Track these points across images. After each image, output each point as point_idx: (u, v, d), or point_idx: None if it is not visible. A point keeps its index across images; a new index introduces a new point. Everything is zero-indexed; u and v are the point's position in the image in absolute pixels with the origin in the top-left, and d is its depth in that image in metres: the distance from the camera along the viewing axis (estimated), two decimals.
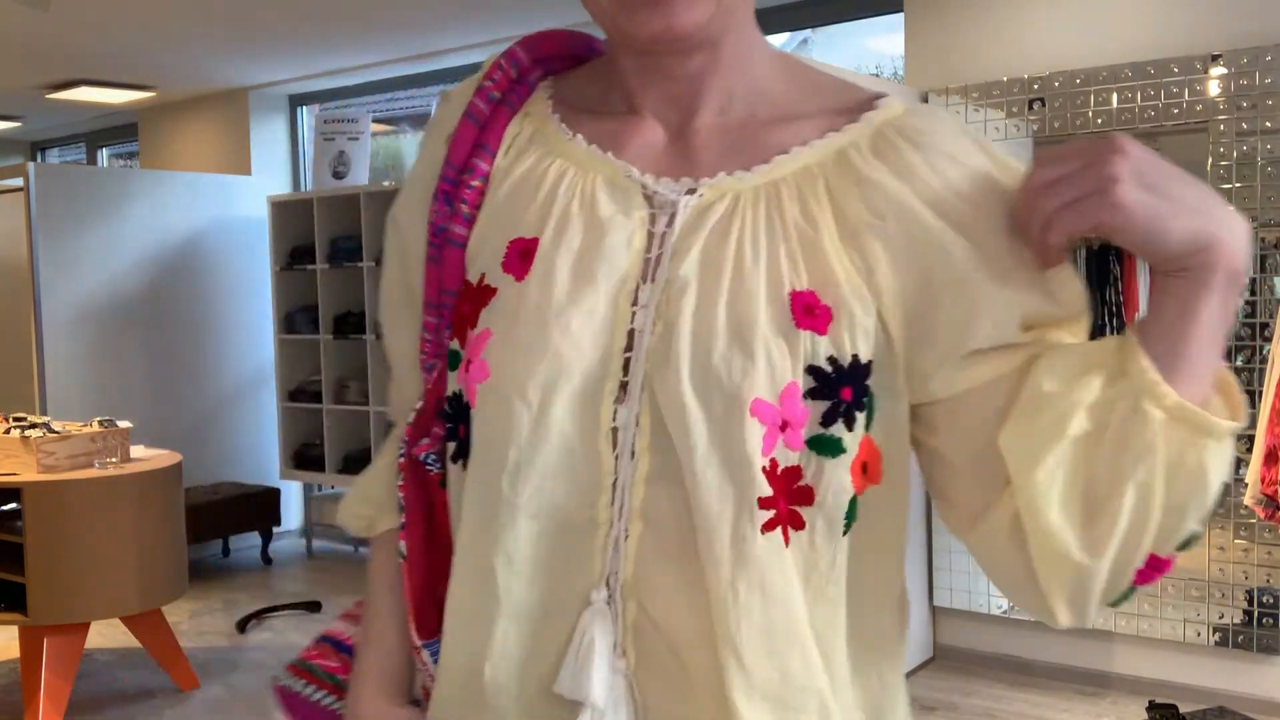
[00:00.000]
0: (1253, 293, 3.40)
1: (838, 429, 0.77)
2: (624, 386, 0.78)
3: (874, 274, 0.78)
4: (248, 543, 6.08)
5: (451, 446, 0.85)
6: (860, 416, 0.78)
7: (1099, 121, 3.61)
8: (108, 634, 4.58)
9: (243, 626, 4.73)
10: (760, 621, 0.76)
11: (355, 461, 5.56)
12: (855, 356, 0.77)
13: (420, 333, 0.88)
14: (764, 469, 0.75)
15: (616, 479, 0.78)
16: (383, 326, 0.97)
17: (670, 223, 0.81)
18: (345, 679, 0.96)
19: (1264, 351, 3.38)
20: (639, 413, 0.78)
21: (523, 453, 0.78)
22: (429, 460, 0.88)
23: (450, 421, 0.85)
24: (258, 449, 6.16)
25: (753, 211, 0.80)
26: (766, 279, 0.77)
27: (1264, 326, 3.38)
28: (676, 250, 0.80)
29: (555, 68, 0.94)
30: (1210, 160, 3.44)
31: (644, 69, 0.85)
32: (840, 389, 0.77)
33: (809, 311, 0.77)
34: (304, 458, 5.77)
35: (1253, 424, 3.35)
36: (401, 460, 0.88)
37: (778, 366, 0.76)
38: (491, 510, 0.80)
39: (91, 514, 3.58)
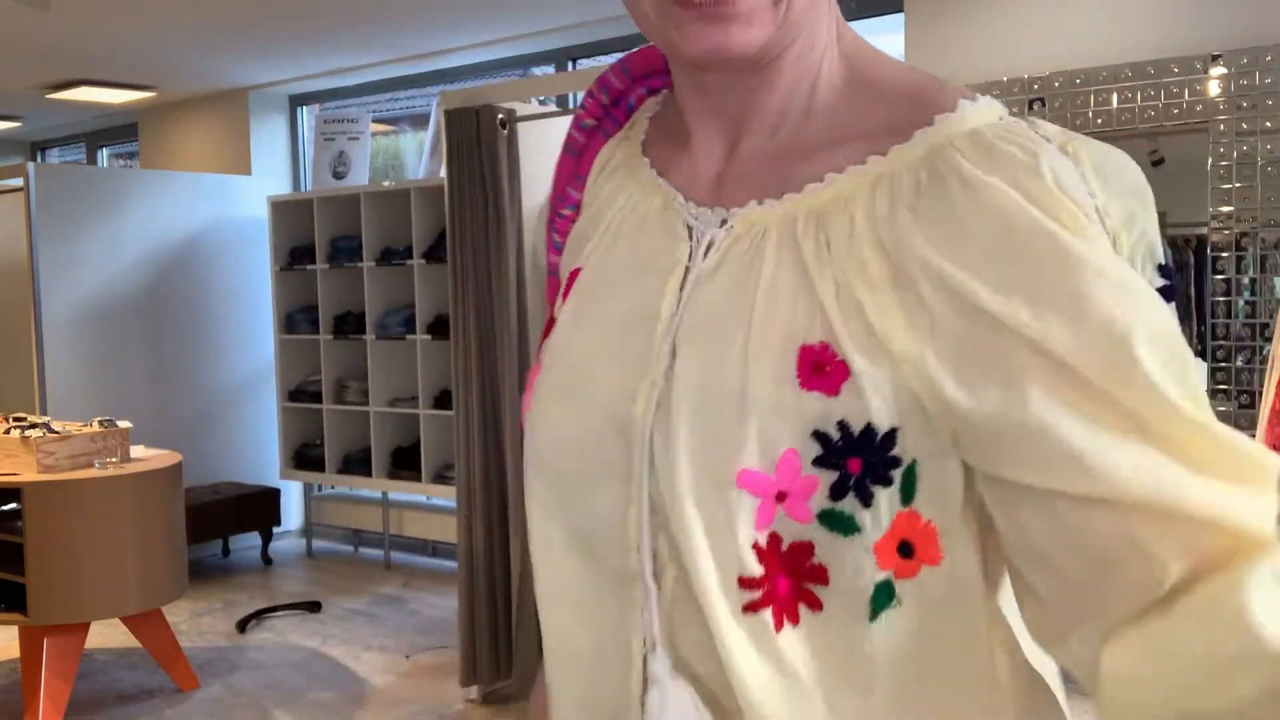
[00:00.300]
0: (1253, 293, 3.40)
1: (848, 504, 0.67)
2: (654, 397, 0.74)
3: (898, 334, 0.67)
4: (248, 543, 6.08)
5: None
6: (883, 491, 0.67)
7: (1099, 121, 3.61)
8: (108, 634, 4.58)
9: (243, 626, 4.73)
10: (763, 703, 0.69)
11: (355, 462, 5.56)
12: (869, 425, 0.67)
13: None
14: (755, 544, 0.68)
15: (642, 524, 0.73)
16: None
17: (706, 257, 0.75)
18: None
19: (1264, 351, 3.38)
20: (670, 413, 0.73)
21: (550, 496, 0.78)
22: None
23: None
24: (258, 449, 6.16)
25: (775, 249, 0.72)
26: (779, 330, 0.69)
27: (1264, 327, 3.38)
28: (692, 292, 0.74)
29: (664, 83, 0.86)
30: (1210, 160, 3.44)
31: (696, 87, 0.79)
32: (847, 459, 0.67)
33: (818, 369, 0.68)
34: (304, 458, 5.77)
35: (1253, 424, 3.35)
36: None
37: (771, 431, 0.67)
38: (534, 552, 0.80)
39: (91, 514, 3.58)
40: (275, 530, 5.94)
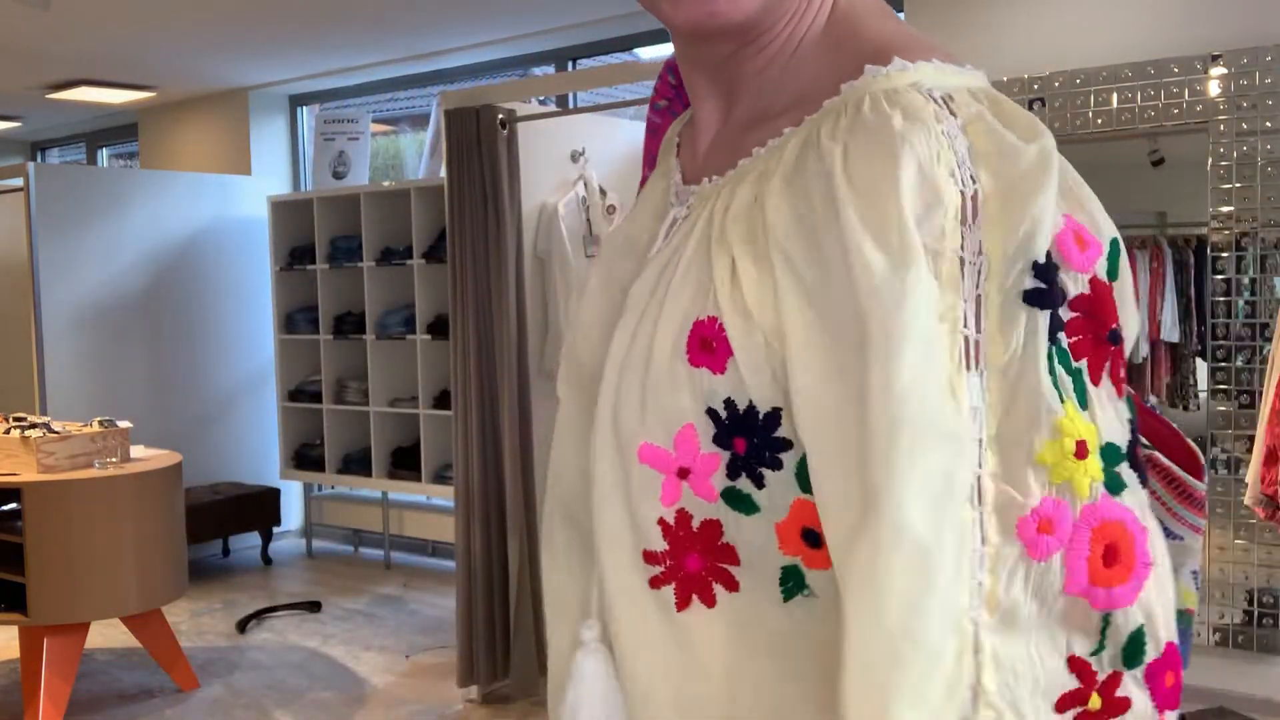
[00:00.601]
0: (1253, 293, 3.40)
1: (743, 484, 0.66)
2: None
3: (765, 311, 0.65)
4: (248, 543, 6.08)
5: None
6: (774, 474, 0.65)
7: (1099, 121, 3.61)
8: (108, 634, 4.58)
9: (243, 626, 4.73)
10: (649, 677, 0.70)
11: (355, 462, 5.56)
12: (750, 404, 0.65)
13: None
14: (661, 520, 0.68)
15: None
16: None
17: (668, 236, 0.75)
18: None
19: (1264, 351, 3.38)
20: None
21: (553, 465, 0.82)
22: None
23: None
24: (258, 449, 6.15)
25: (697, 225, 0.70)
26: (681, 306, 0.68)
27: (1264, 326, 3.38)
28: (643, 271, 0.73)
29: None
30: (1210, 160, 3.44)
31: (694, 61, 0.76)
32: (733, 438, 0.66)
33: (705, 346, 0.66)
34: (304, 458, 5.77)
35: (1253, 424, 3.35)
36: None
37: (669, 407, 0.67)
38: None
39: (91, 514, 3.58)
40: (275, 530, 5.94)
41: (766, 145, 0.69)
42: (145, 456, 3.95)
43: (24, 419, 3.97)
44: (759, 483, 0.66)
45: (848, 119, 0.64)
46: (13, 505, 3.79)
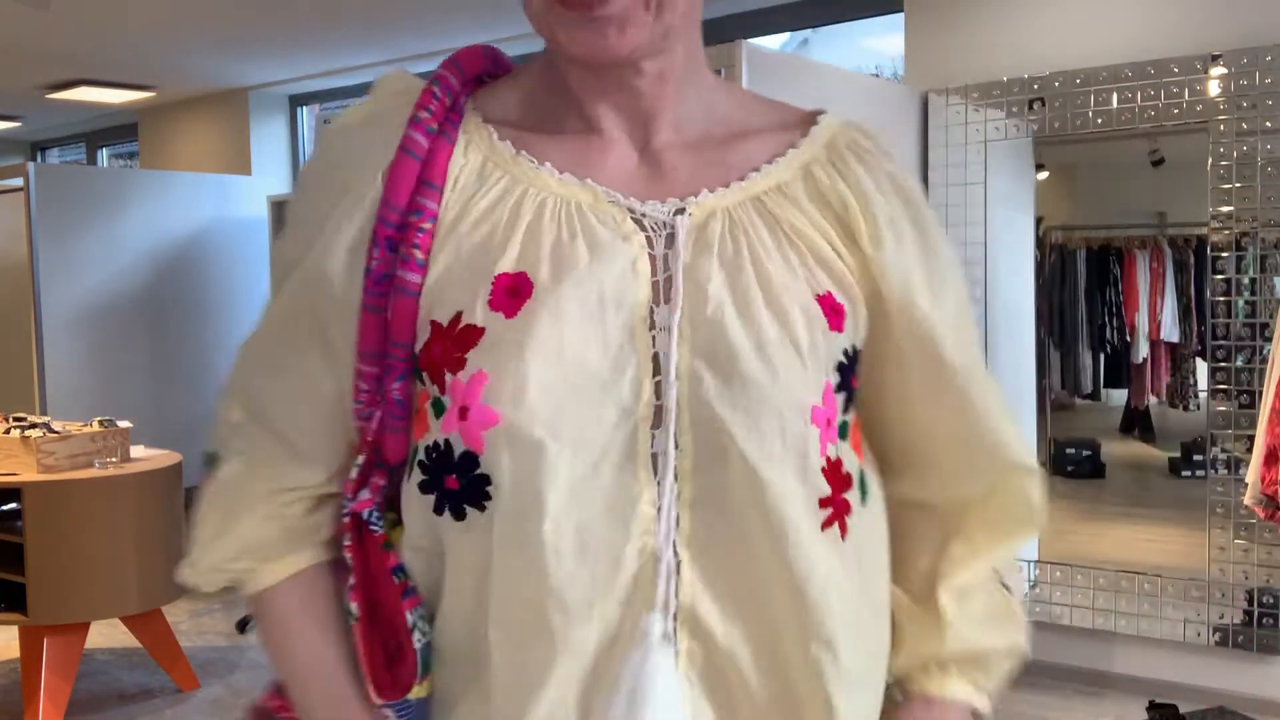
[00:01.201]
0: (1253, 293, 3.40)
1: (849, 414, 0.85)
2: (658, 412, 0.77)
3: (861, 274, 0.85)
4: None
5: (432, 499, 0.79)
6: (854, 397, 0.86)
7: (1099, 121, 3.61)
8: (108, 634, 4.58)
9: (243, 626, 4.72)
10: (843, 614, 0.79)
11: None
12: (855, 347, 0.84)
13: (345, 381, 0.82)
14: (823, 469, 0.80)
15: (660, 507, 0.77)
16: (253, 375, 0.87)
17: (670, 244, 0.80)
18: None
19: (1264, 351, 3.38)
20: (678, 435, 0.77)
21: (561, 494, 0.75)
22: (373, 519, 0.83)
23: (437, 472, 0.78)
24: None
25: (752, 226, 0.82)
26: (793, 287, 0.80)
27: (1264, 326, 3.38)
28: (691, 270, 0.79)
29: (475, 87, 0.88)
30: (1210, 160, 3.44)
31: (597, 85, 0.83)
32: (851, 378, 0.84)
33: (835, 312, 0.81)
34: None
35: (1253, 424, 3.35)
36: (346, 520, 0.83)
37: (819, 369, 0.80)
38: (533, 557, 0.75)
39: (91, 514, 3.58)
40: None
41: (761, 168, 0.85)
42: (145, 456, 3.95)
43: (24, 419, 3.97)
44: (850, 407, 0.85)
45: (855, 144, 0.89)
46: (13, 505, 3.79)
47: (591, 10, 0.76)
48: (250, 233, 6.08)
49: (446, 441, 0.77)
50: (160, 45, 5.27)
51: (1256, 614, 3.45)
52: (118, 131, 7.53)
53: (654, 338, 0.77)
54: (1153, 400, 3.74)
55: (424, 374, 0.79)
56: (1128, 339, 3.75)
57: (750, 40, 3.09)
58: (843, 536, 0.80)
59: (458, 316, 0.77)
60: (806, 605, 0.78)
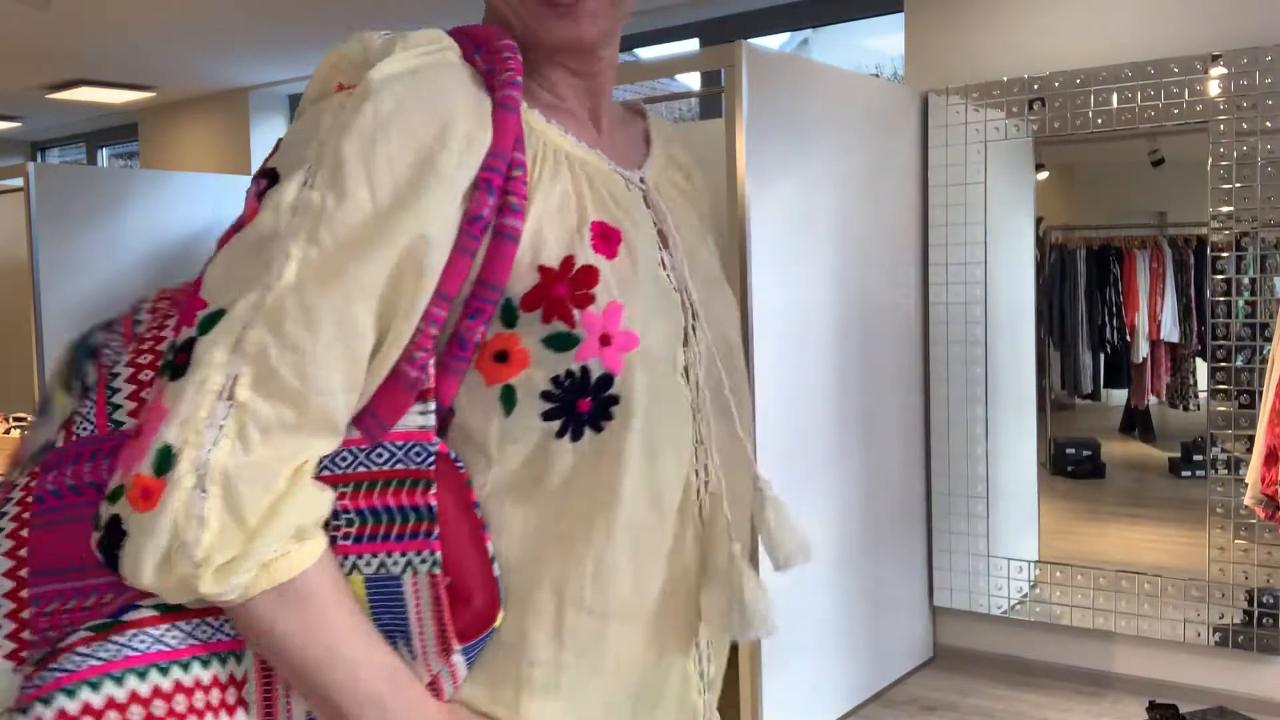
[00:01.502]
0: (1253, 293, 3.40)
1: None
2: (685, 331, 0.97)
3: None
4: None
5: (555, 425, 0.85)
6: None
7: (1099, 121, 3.61)
8: None
9: None
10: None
11: None
12: None
13: (391, 334, 0.82)
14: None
15: (695, 406, 0.97)
16: (333, 319, 0.80)
17: (646, 204, 1.00)
18: None
19: (1264, 351, 3.38)
20: (699, 350, 0.97)
21: (662, 405, 0.91)
22: (456, 458, 0.85)
23: (568, 398, 0.85)
24: None
25: (671, 188, 1.06)
26: (699, 228, 1.09)
27: (1264, 326, 3.38)
28: (675, 226, 1.01)
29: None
30: (1210, 160, 3.44)
31: (568, 73, 0.97)
32: None
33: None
34: None
35: (1253, 424, 3.34)
36: (432, 464, 0.82)
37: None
38: (650, 461, 0.89)
39: None
40: None
41: (650, 142, 1.08)
42: None
43: (24, 419, 3.97)
44: None
45: (666, 129, 1.12)
46: None
47: (571, 6, 0.90)
48: None
49: (583, 368, 0.85)
50: (160, 45, 5.27)
51: (1256, 614, 3.45)
52: (118, 131, 7.53)
53: (670, 275, 0.97)
54: (1153, 400, 3.73)
55: (521, 313, 0.85)
56: (1128, 339, 3.75)
57: (750, 40, 3.09)
58: None
59: (569, 260, 0.87)
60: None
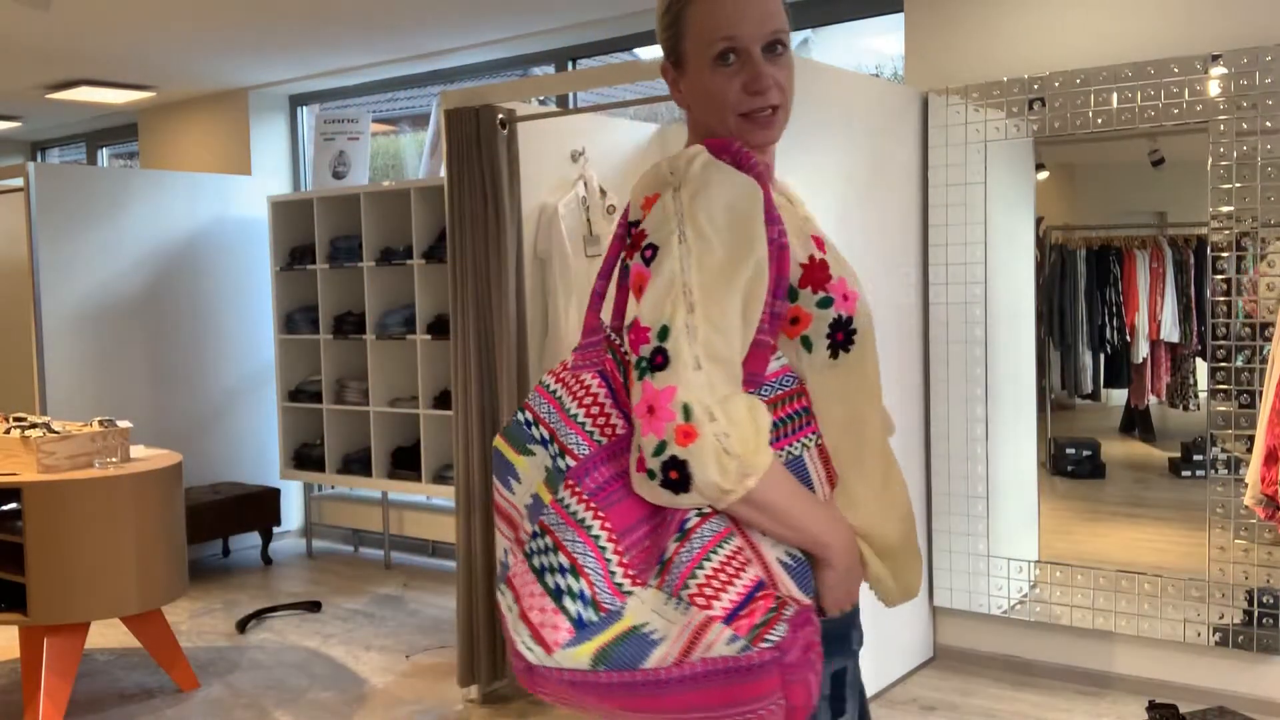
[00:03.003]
0: (1254, 292, 3.40)
1: None
2: None
3: None
4: (248, 543, 6.08)
5: (828, 352, 1.42)
6: None
7: (1099, 121, 3.61)
8: (108, 634, 4.58)
9: (243, 626, 4.73)
10: None
11: (355, 462, 5.56)
12: None
13: (760, 310, 1.34)
14: None
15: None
16: (725, 315, 1.31)
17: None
18: None
19: (1264, 351, 3.38)
20: (869, 309, 1.49)
21: (871, 337, 1.46)
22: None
23: (833, 333, 1.41)
24: (258, 449, 6.16)
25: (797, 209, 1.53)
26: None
27: (1264, 327, 3.38)
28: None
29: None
30: (1210, 160, 3.44)
31: (764, 152, 1.47)
32: None
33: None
34: (304, 458, 5.77)
35: (1253, 424, 3.34)
36: (798, 384, 1.40)
37: None
38: (874, 375, 1.48)
39: (91, 514, 3.58)
40: (275, 530, 5.94)
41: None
42: (145, 456, 3.95)
43: (24, 419, 3.97)
44: None
45: None
46: (13, 505, 3.79)
47: (767, 124, 1.43)
48: (250, 233, 6.08)
49: (838, 315, 1.40)
50: (160, 45, 5.28)
51: (1256, 614, 3.45)
52: (118, 131, 7.53)
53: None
54: (1153, 400, 3.73)
55: (800, 290, 1.39)
56: (1128, 339, 3.75)
57: None
58: None
59: (810, 258, 1.41)
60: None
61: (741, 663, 1.18)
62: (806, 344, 1.40)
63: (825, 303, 1.40)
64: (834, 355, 1.41)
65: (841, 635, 1.43)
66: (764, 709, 1.18)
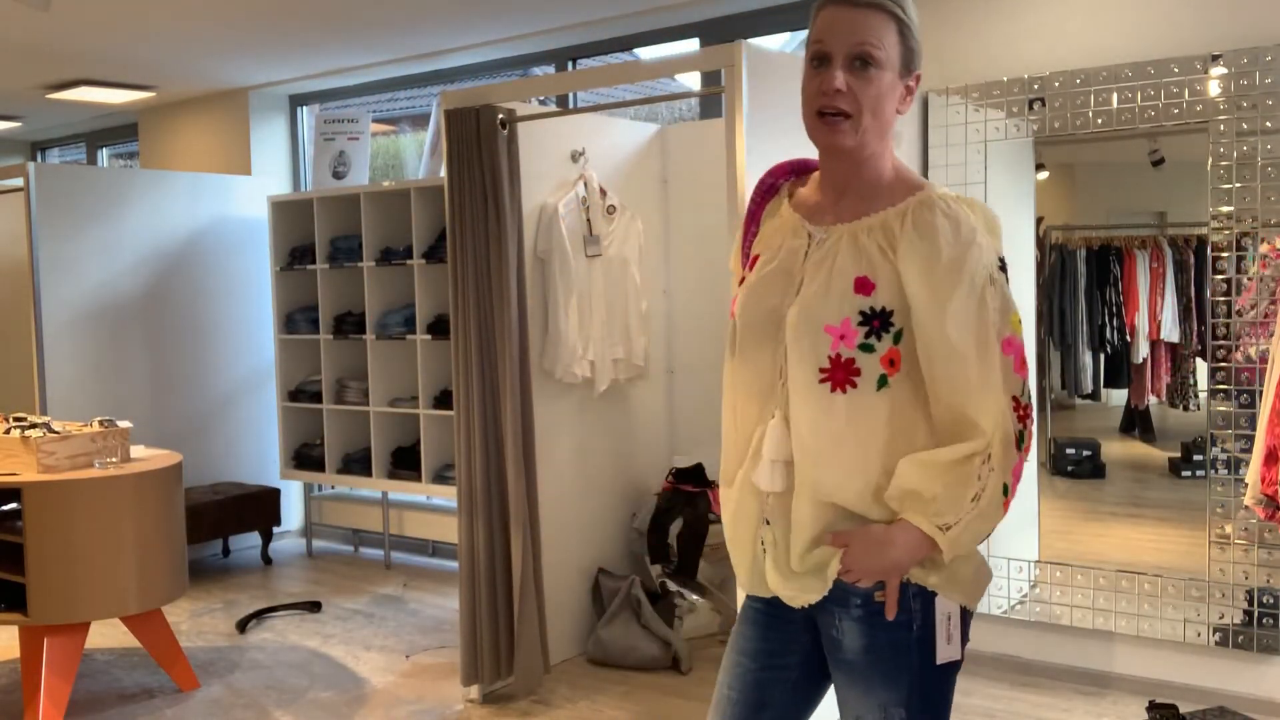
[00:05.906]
0: (1253, 292, 3.40)
1: (872, 340, 1.59)
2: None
3: (899, 273, 1.62)
4: (248, 543, 6.08)
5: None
6: (885, 336, 1.59)
7: (1099, 121, 3.61)
8: (108, 634, 4.58)
9: (243, 626, 4.73)
10: (814, 435, 1.62)
11: (355, 462, 5.56)
12: (882, 308, 1.60)
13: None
14: (830, 356, 1.59)
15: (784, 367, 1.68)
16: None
17: (815, 246, 1.69)
18: None
19: (1264, 351, 3.38)
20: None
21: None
22: None
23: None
24: (258, 449, 6.15)
25: (843, 241, 1.65)
26: (845, 270, 1.62)
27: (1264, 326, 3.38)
28: (809, 260, 1.67)
29: (795, 175, 1.84)
30: (1210, 160, 3.44)
31: (828, 166, 1.71)
32: (874, 321, 1.59)
33: (862, 286, 1.61)
34: (304, 458, 5.77)
35: (1253, 424, 3.34)
36: None
37: (842, 310, 1.60)
38: (755, 382, 1.75)
39: (91, 514, 3.58)
40: (275, 530, 5.94)
41: (877, 214, 1.65)
42: (145, 456, 3.95)
43: (24, 419, 3.97)
44: (880, 338, 1.60)
45: (916, 218, 1.64)
46: (13, 505, 3.79)
47: (833, 127, 1.62)
48: (250, 233, 6.08)
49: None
50: (160, 45, 5.28)
51: (1256, 614, 3.45)
52: (118, 131, 7.53)
53: (801, 283, 1.68)
54: (1153, 400, 3.73)
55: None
56: (1128, 339, 3.75)
57: (750, 40, 3.09)
58: (832, 390, 1.61)
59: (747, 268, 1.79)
60: (794, 418, 1.65)
61: None
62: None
63: None
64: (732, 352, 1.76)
65: None
66: None
